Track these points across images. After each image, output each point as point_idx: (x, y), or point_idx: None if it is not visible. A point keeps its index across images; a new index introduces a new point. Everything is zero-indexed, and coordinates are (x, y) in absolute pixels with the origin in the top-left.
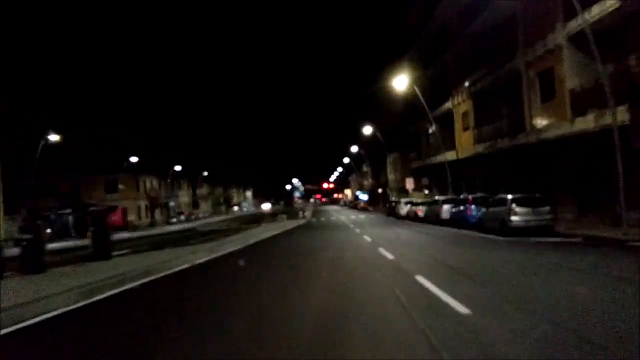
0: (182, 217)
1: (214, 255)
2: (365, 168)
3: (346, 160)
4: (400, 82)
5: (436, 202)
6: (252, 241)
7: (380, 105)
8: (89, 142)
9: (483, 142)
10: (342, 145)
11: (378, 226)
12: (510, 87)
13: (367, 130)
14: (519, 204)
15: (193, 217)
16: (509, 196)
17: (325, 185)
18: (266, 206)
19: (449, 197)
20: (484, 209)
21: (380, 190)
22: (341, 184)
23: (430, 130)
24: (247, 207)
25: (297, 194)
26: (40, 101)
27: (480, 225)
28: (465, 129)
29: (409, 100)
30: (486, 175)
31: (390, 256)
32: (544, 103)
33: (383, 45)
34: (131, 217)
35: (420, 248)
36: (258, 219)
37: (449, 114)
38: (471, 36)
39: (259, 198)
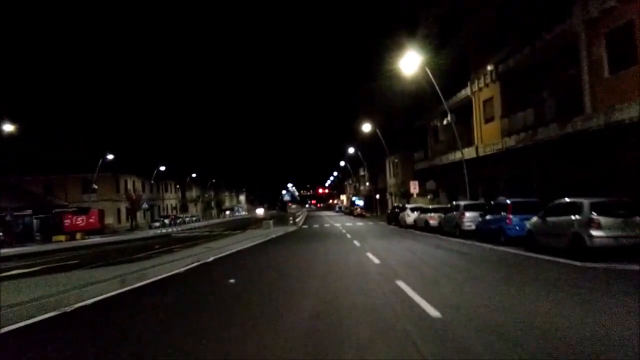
0: (167, 221)
1: (130, 287)
2: (362, 172)
3: (342, 163)
4: (407, 65)
5: (456, 208)
6: (211, 258)
7: (379, 102)
8: (64, 137)
9: (515, 134)
10: (338, 148)
11: (382, 238)
12: (558, 58)
13: (366, 127)
14: (602, 212)
15: (179, 221)
16: (586, 200)
17: (320, 191)
18: (260, 211)
19: (473, 202)
20: (535, 219)
21: (377, 196)
22: (336, 189)
23: (445, 121)
24: (240, 211)
25: (286, 197)
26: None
27: (529, 242)
28: (488, 120)
29: (414, 93)
30: (512, 175)
31: (431, 310)
32: (615, 73)
33: (382, 32)
34: (110, 220)
35: (472, 285)
36: (246, 224)
37: (466, 104)
38: (499, 3)
39: (253, 203)
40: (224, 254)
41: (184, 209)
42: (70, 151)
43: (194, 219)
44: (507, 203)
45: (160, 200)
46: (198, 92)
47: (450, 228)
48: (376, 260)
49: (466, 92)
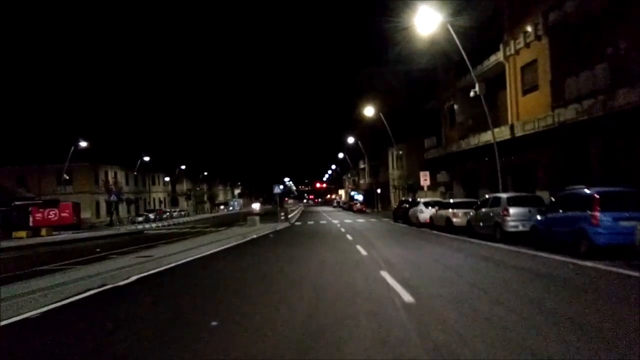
0: (151, 216)
1: None
2: (362, 164)
3: (340, 155)
4: (422, 25)
5: (494, 202)
6: (132, 278)
7: (382, 86)
8: (40, 126)
9: (575, 103)
10: (336, 140)
11: (393, 241)
12: None
13: (368, 112)
14: None
15: (165, 215)
16: None
17: (317, 185)
18: (255, 206)
19: (519, 194)
20: None
21: (379, 190)
22: (335, 183)
23: (472, 93)
24: (235, 206)
25: (277, 190)
26: None
27: None
28: (528, 90)
29: (423, 73)
30: (555, 160)
31: None
32: None
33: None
34: (87, 214)
35: None
36: (235, 220)
37: (495, 76)
38: None
39: (249, 197)
40: (159, 269)
41: (174, 203)
42: (47, 140)
43: (182, 213)
44: (590, 195)
45: (147, 194)
46: (190, 79)
47: (487, 229)
48: (405, 295)
49: (497, 57)
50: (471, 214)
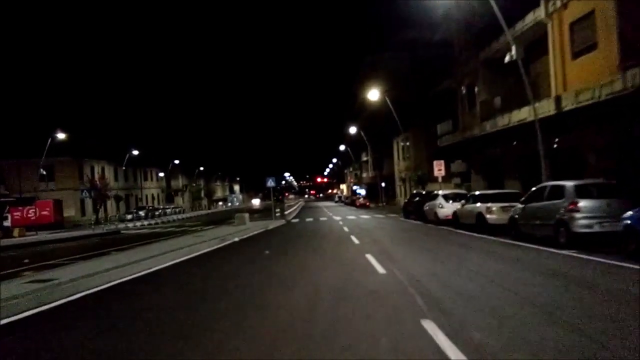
0: (142, 213)
1: None
2: (364, 157)
3: (342, 147)
4: None
5: (553, 193)
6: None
7: (386, 72)
8: (20, 117)
9: None
10: (338, 132)
11: (414, 244)
12: None
13: (373, 96)
14: None
15: (158, 212)
16: None
17: (318, 180)
18: (255, 202)
19: (589, 181)
20: None
21: (383, 184)
22: (336, 177)
23: (507, 57)
24: (235, 202)
25: (270, 182)
26: None
27: None
28: (580, 52)
29: (435, 53)
30: (612, 142)
31: None
32: None
33: None
34: (71, 212)
35: None
36: (227, 217)
37: (532, 40)
38: None
39: (250, 192)
40: (32, 312)
41: (169, 199)
42: (26, 133)
43: (177, 210)
44: None
45: (139, 190)
46: (185, 69)
47: (543, 229)
48: None
49: (535, 16)
50: (517, 209)
